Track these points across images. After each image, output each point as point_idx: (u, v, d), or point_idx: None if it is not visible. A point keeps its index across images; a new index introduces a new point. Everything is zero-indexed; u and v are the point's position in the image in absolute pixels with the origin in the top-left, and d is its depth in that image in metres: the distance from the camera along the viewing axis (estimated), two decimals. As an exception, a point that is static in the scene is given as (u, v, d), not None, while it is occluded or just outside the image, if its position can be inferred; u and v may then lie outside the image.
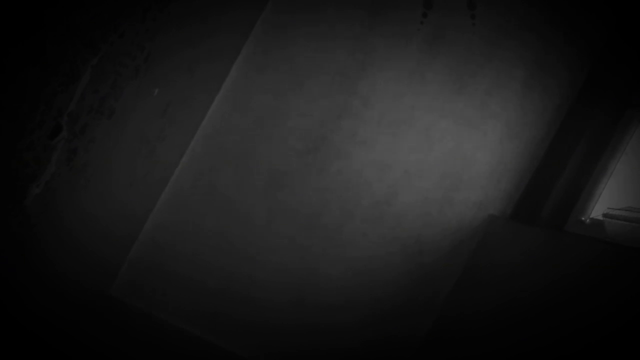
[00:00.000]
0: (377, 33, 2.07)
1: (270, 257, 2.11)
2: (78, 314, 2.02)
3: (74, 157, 1.94)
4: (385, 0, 2.06)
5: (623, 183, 2.06)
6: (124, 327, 2.04)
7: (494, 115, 2.17)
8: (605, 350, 1.62)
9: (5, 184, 1.89)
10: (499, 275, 2.03)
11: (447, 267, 2.20)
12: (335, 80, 2.07)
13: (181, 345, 2.07)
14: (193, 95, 2.00)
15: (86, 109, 1.91)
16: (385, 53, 2.09)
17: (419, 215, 2.17)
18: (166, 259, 2.07)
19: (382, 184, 2.14)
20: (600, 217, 2.01)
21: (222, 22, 1.97)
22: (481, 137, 2.18)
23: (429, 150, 2.15)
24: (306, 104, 2.07)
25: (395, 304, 2.19)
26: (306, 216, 2.11)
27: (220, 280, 2.11)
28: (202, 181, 2.05)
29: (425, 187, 2.17)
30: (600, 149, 2.08)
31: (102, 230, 1.99)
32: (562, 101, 2.21)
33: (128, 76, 1.91)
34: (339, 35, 2.05)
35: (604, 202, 2.06)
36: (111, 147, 1.97)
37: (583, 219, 2.05)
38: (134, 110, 1.95)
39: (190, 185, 2.04)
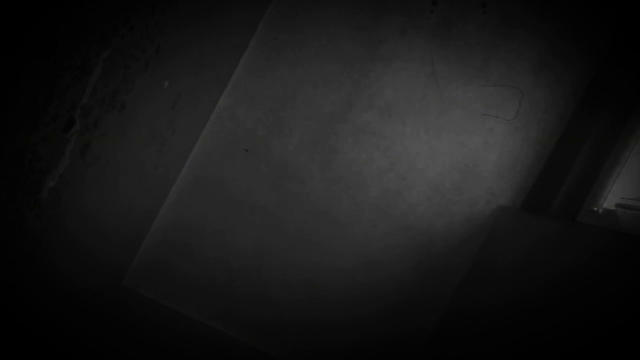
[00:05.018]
0: (385, 25, 2.07)
1: (279, 252, 2.12)
2: (84, 314, 2.04)
3: (88, 150, 1.96)
4: (393, -9, 2.06)
5: (636, 172, 2.03)
6: (133, 324, 2.06)
7: (504, 106, 2.15)
8: (619, 339, 1.60)
9: (21, 177, 1.93)
10: (510, 266, 2.01)
11: (457, 258, 2.19)
12: (344, 73, 2.07)
13: (190, 340, 2.08)
14: (202, 88, 2.02)
15: (98, 102, 1.93)
16: (394, 44, 2.09)
17: (429, 206, 2.16)
18: (175, 255, 2.09)
19: (391, 175, 2.13)
20: (613, 208, 1.98)
21: (230, 16, 1.99)
22: (491, 128, 2.16)
23: (438, 141, 2.14)
24: (314, 96, 2.07)
25: (404, 298, 2.19)
26: (315, 209, 2.12)
27: (229, 276, 2.12)
28: (210, 175, 2.06)
29: (435, 177, 2.16)
30: (613, 139, 2.05)
31: (112, 225, 2.02)
32: (574, 93, 2.18)
33: (139, 69, 1.93)
34: (346, 29, 2.05)
35: (617, 192, 2.03)
36: (123, 140, 1.99)
37: (595, 209, 2.02)
38: (144, 102, 1.97)
39: (199, 179, 2.06)
